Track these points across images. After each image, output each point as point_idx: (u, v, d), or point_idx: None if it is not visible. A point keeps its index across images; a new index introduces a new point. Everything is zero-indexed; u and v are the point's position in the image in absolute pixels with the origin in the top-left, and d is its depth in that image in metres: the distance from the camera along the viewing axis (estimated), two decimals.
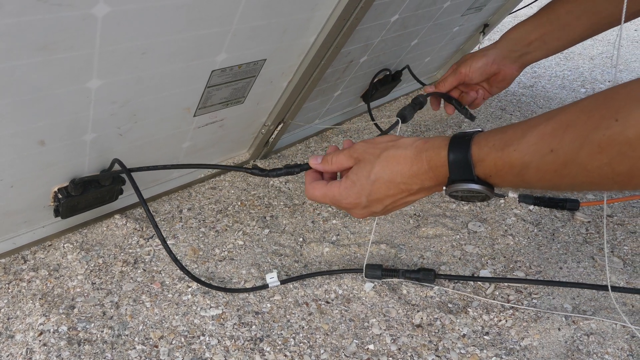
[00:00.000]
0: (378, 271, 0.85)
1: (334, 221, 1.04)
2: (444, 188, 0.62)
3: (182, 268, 0.82)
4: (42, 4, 0.54)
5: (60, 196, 0.87)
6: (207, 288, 0.84)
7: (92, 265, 0.89)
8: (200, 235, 0.99)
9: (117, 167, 0.86)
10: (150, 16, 0.64)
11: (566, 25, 0.90)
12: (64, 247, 0.93)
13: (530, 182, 0.56)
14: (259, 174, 0.77)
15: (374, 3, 0.91)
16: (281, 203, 1.10)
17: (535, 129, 0.53)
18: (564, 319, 0.79)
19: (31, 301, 0.81)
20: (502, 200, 1.11)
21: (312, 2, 0.83)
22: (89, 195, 0.90)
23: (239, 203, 1.10)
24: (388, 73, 1.37)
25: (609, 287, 0.80)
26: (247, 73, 0.92)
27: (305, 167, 0.74)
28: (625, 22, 0.90)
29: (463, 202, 1.10)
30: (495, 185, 0.60)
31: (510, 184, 0.58)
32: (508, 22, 2.46)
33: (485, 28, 1.61)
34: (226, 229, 1.01)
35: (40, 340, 0.73)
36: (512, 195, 1.10)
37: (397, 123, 0.83)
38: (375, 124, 1.37)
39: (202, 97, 0.90)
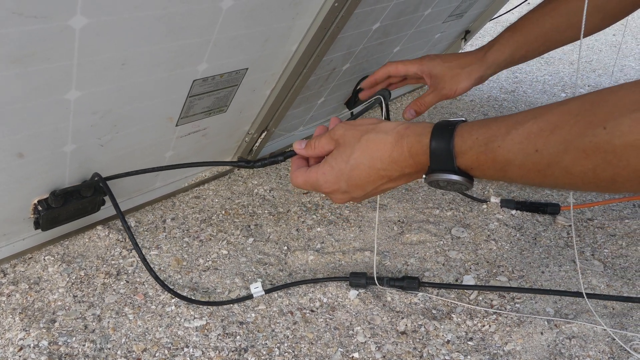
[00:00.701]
0: (362, 279, 0.86)
1: (319, 229, 1.04)
2: (424, 177, 0.61)
3: (163, 284, 0.81)
4: (18, 17, 0.54)
5: (40, 208, 0.86)
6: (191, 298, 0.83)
7: (74, 277, 0.88)
8: (184, 245, 0.98)
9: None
10: (129, 27, 0.64)
11: (551, 39, 0.90)
12: (44, 259, 0.91)
13: (512, 178, 0.55)
14: (244, 165, 0.77)
15: (355, 12, 0.92)
16: (265, 211, 1.10)
17: (521, 127, 0.53)
18: (546, 322, 0.80)
19: (11, 316, 0.79)
20: (484, 206, 1.12)
21: (292, 12, 0.83)
22: (70, 206, 0.89)
23: (223, 212, 1.09)
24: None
25: (584, 294, 0.81)
26: (229, 82, 0.92)
27: (290, 153, 0.73)
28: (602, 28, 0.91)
29: (446, 208, 1.11)
30: (475, 177, 0.59)
31: (492, 177, 0.57)
32: (490, 27, 2.49)
33: (466, 34, 1.62)
34: (210, 239, 1.00)
35: (20, 356, 0.72)
36: (494, 200, 1.11)
37: (378, 101, 0.84)
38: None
39: (184, 107, 0.90)
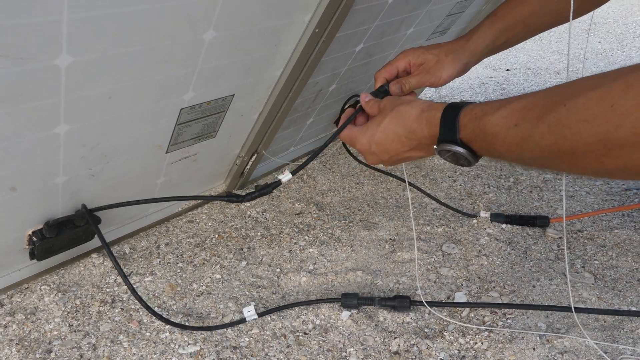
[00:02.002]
0: (354, 300, 0.86)
1: (311, 249, 1.05)
2: (435, 147, 0.68)
3: (154, 313, 0.82)
4: (5, 59, 0.55)
5: (34, 239, 0.87)
6: (184, 324, 0.84)
7: (69, 306, 0.89)
8: (178, 271, 0.99)
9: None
10: (113, 63, 0.66)
11: (530, 25, 0.91)
12: (40, 289, 0.92)
13: (500, 152, 0.61)
14: (234, 200, 0.79)
15: (337, 36, 0.94)
16: (258, 234, 1.11)
17: (508, 105, 0.59)
18: (538, 338, 0.81)
19: (7, 347, 0.80)
20: (474, 220, 1.13)
21: (274, 39, 0.85)
22: (64, 236, 0.90)
23: (217, 235, 1.10)
24: (359, 98, 1.40)
25: (572, 309, 0.82)
26: (217, 108, 0.94)
27: (277, 184, 0.80)
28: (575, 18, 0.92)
29: (437, 225, 1.12)
30: (476, 152, 0.65)
31: (486, 152, 0.64)
32: None
33: None
34: (204, 263, 1.01)
35: None
36: (484, 215, 1.13)
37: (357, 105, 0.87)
38: (347, 150, 1.39)
39: (173, 134, 0.92)
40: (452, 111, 0.66)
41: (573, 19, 0.94)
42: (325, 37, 0.89)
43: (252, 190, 0.80)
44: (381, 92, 0.88)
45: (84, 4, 0.55)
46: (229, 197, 0.80)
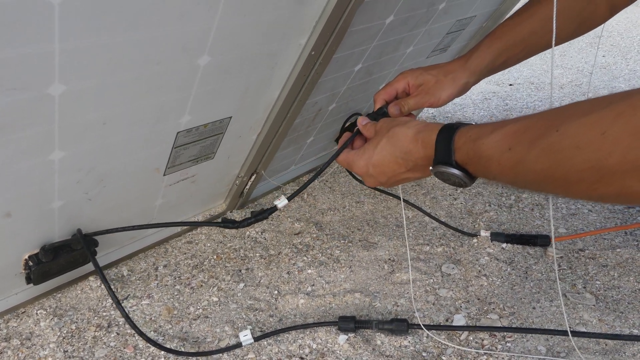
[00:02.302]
0: (351, 323, 0.85)
1: (309, 270, 1.04)
2: (431, 168, 0.68)
3: (148, 340, 0.81)
4: None
5: (31, 263, 0.87)
6: (180, 349, 0.83)
7: (65, 331, 0.88)
8: (175, 293, 0.98)
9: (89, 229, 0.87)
10: (107, 90, 0.66)
11: (530, 45, 0.90)
12: (37, 313, 0.92)
13: (494, 175, 0.61)
14: (231, 226, 0.79)
15: (334, 57, 0.94)
16: (257, 254, 1.10)
17: (502, 128, 0.59)
18: None
19: None
20: (475, 240, 1.12)
21: (270, 62, 0.85)
22: (61, 260, 0.90)
23: (215, 256, 1.10)
24: (359, 117, 1.40)
25: (569, 333, 0.81)
26: (214, 131, 0.94)
27: (272, 210, 0.81)
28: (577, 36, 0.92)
29: (436, 244, 1.11)
30: (472, 174, 0.65)
31: (482, 174, 0.63)
32: None
33: None
34: (201, 285, 1.01)
35: None
36: (485, 234, 1.12)
37: (355, 124, 0.87)
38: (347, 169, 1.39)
39: (170, 157, 0.92)
40: (447, 133, 0.66)
41: (570, 39, 0.94)
42: (322, 59, 0.89)
43: (249, 217, 0.80)
44: (379, 114, 0.88)
45: (76, 34, 0.56)
46: (224, 223, 0.80)
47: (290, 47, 0.86)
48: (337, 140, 1.47)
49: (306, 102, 1.01)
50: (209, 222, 0.85)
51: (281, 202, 0.79)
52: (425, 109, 1.94)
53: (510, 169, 0.57)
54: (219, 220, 0.83)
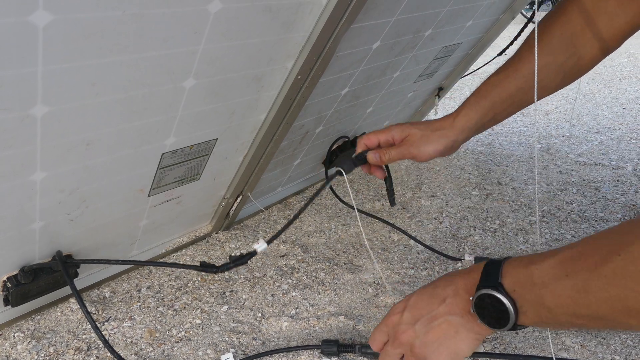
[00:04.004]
0: (334, 347, 0.85)
1: (294, 293, 1.04)
2: (471, 298, 0.64)
3: None
4: None
5: (9, 285, 0.86)
6: None
7: (43, 355, 0.87)
8: (158, 316, 0.97)
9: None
10: (90, 112, 0.66)
11: (517, 101, 0.90)
12: (14, 336, 0.90)
13: (549, 307, 0.56)
14: (210, 270, 0.80)
15: (321, 81, 0.95)
16: (241, 276, 1.10)
17: (556, 255, 0.56)
18: None
19: None
20: (459, 264, 1.12)
21: (256, 86, 0.86)
22: (40, 281, 0.89)
23: (199, 278, 1.09)
24: (347, 139, 1.41)
25: (554, 358, 0.81)
26: (200, 152, 0.94)
27: (252, 254, 0.80)
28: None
29: (421, 268, 1.11)
30: (519, 304, 0.59)
31: (533, 306, 0.58)
32: (468, 80, 2.56)
33: (440, 91, 1.67)
34: (185, 307, 1.00)
35: None
36: (469, 258, 1.12)
37: (338, 173, 0.87)
38: (333, 191, 1.40)
39: (155, 178, 0.91)
40: (494, 263, 0.63)
41: (556, 91, 0.94)
42: (308, 83, 0.90)
43: (227, 262, 0.81)
44: (359, 160, 0.90)
45: (59, 56, 0.56)
46: (203, 267, 0.81)
47: (276, 71, 0.87)
48: (324, 163, 1.48)
49: (293, 124, 1.02)
50: (188, 266, 0.85)
51: (260, 246, 0.80)
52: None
53: (569, 298, 0.53)
54: (198, 264, 0.83)
